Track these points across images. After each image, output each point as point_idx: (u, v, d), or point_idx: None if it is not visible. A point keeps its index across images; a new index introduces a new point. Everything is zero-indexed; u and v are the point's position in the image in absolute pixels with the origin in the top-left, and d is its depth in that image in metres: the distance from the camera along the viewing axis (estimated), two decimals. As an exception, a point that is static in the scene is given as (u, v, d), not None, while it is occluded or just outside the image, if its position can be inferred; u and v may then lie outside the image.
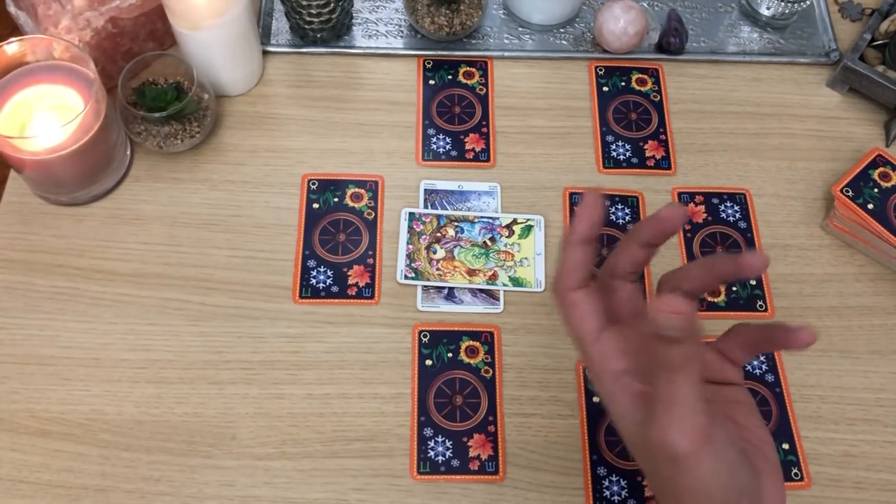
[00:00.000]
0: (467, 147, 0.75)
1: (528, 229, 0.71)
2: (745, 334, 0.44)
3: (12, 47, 0.66)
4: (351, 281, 0.68)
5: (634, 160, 0.75)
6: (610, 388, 0.42)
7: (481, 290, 0.68)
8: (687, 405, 0.37)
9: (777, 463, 0.42)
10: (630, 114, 0.77)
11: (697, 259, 0.42)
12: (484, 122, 0.76)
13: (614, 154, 0.75)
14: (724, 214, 0.73)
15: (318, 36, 0.78)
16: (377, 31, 0.81)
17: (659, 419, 0.37)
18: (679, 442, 0.37)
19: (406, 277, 0.68)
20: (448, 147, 0.75)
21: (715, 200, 0.73)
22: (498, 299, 0.68)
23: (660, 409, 0.37)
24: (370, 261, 0.69)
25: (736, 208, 0.73)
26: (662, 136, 0.76)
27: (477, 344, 0.66)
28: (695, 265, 0.42)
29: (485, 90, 0.78)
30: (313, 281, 0.68)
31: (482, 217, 0.71)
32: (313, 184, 0.73)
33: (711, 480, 0.37)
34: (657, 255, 0.71)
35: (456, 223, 0.71)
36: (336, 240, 0.70)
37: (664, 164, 0.75)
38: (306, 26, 0.77)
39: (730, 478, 0.38)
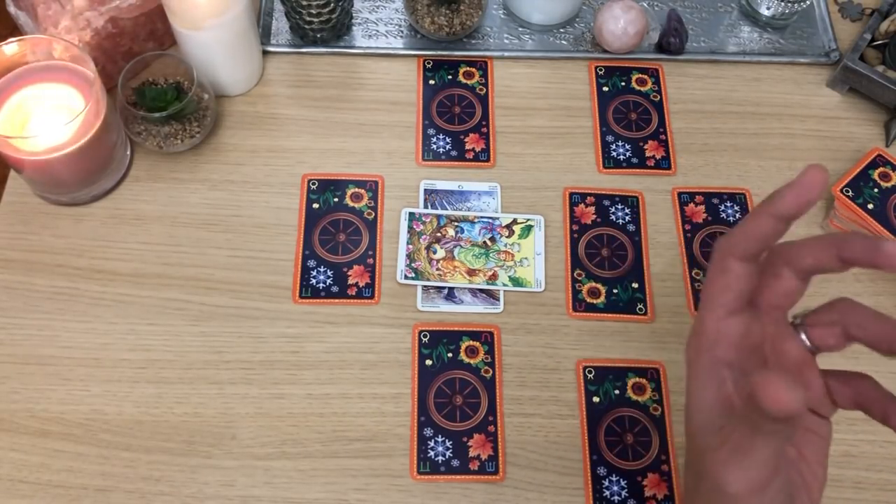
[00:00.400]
0: (467, 147, 0.75)
1: (528, 229, 0.71)
2: (866, 391, 0.41)
3: (12, 47, 0.66)
4: (351, 281, 0.68)
5: (634, 160, 0.75)
6: (704, 371, 0.39)
7: (481, 290, 0.68)
8: (758, 459, 0.35)
9: None
10: (630, 114, 0.77)
11: (823, 235, 0.38)
12: (484, 122, 0.76)
13: (614, 154, 0.75)
14: (724, 214, 0.73)
15: (318, 36, 0.78)
16: (377, 31, 0.81)
17: (724, 451, 0.36)
18: (732, 484, 0.36)
19: (406, 277, 0.68)
20: (448, 147, 0.75)
21: (715, 200, 0.73)
22: (498, 299, 0.68)
23: (732, 443, 0.36)
24: (370, 261, 0.69)
25: (736, 208, 0.73)
26: (662, 136, 0.76)
27: (477, 344, 0.66)
28: (818, 242, 0.38)
29: (485, 90, 0.78)
30: (313, 281, 0.68)
31: (482, 217, 0.71)
32: (313, 184, 0.73)
33: None
34: (658, 256, 0.71)
35: (456, 223, 0.71)
36: (336, 240, 0.70)
37: (664, 164, 0.75)
38: (306, 26, 0.77)
39: None
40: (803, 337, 0.41)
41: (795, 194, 0.37)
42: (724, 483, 0.36)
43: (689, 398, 0.40)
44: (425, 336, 0.66)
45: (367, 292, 0.68)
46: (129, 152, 0.73)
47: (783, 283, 0.40)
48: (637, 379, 0.65)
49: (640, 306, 0.68)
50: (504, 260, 0.69)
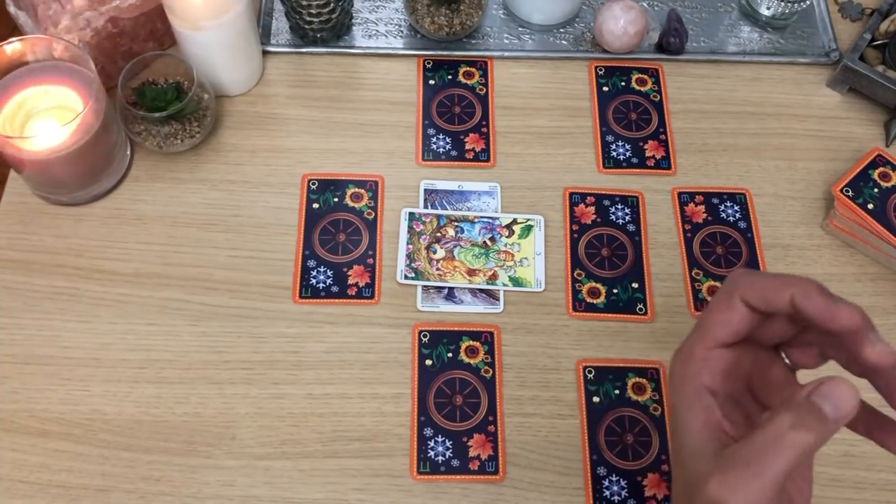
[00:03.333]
0: (467, 147, 0.75)
1: (528, 229, 0.71)
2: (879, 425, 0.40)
3: (12, 47, 0.66)
4: (351, 281, 0.68)
5: (634, 160, 0.75)
6: (691, 398, 0.39)
7: (481, 290, 0.68)
8: (766, 483, 0.34)
9: None
10: (630, 114, 0.77)
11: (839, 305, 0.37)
12: (484, 122, 0.76)
13: (614, 154, 0.75)
14: (724, 214, 0.73)
15: (318, 36, 0.78)
16: (377, 31, 0.81)
17: (729, 476, 0.35)
18: None
19: (406, 277, 0.68)
20: (448, 147, 0.75)
21: (715, 200, 0.73)
22: (498, 299, 0.68)
23: (738, 466, 0.35)
24: (370, 261, 0.69)
25: (736, 208, 0.73)
26: (662, 136, 0.76)
27: (477, 344, 0.66)
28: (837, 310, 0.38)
29: (485, 90, 0.78)
30: (313, 281, 0.68)
31: (482, 217, 0.71)
32: (313, 184, 0.73)
33: None
34: (658, 256, 0.71)
35: (456, 223, 0.71)
36: (336, 240, 0.70)
37: (664, 164, 0.75)
38: (306, 26, 0.77)
39: None
40: (784, 357, 0.41)
41: (825, 313, 0.37)
42: None
43: (676, 425, 0.40)
44: (425, 336, 0.66)
45: (367, 292, 0.68)
46: (129, 152, 0.73)
47: (777, 325, 0.41)
48: (637, 379, 0.65)
49: (640, 306, 0.68)
50: (504, 260, 0.69)
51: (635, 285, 0.69)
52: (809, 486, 0.40)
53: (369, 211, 0.72)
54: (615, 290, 0.69)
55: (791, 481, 0.39)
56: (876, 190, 0.70)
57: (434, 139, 0.75)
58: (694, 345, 0.40)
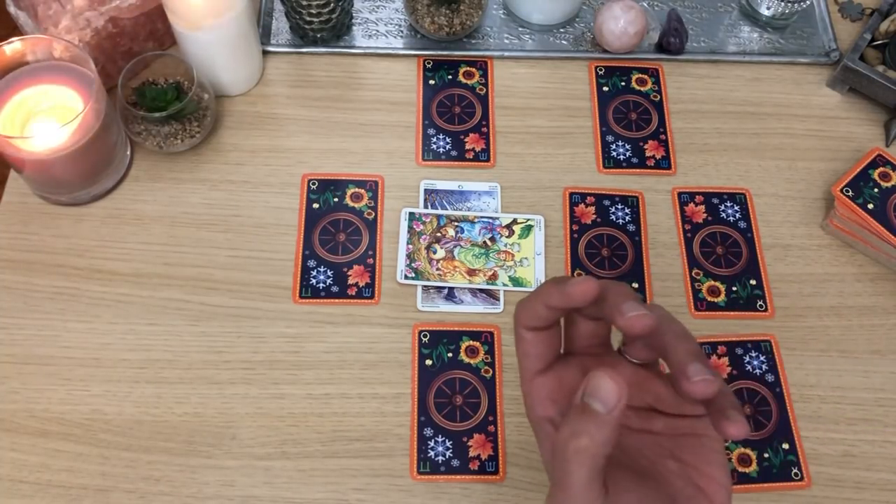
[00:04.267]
0: (467, 147, 0.75)
1: (528, 229, 0.71)
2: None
3: (12, 47, 0.66)
4: (351, 281, 0.68)
5: (634, 160, 0.75)
6: (536, 430, 0.42)
7: (481, 290, 0.68)
8: (573, 494, 0.35)
9: None
10: (630, 114, 0.77)
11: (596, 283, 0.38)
12: (484, 122, 0.76)
13: (614, 154, 0.75)
14: (724, 214, 0.73)
15: (318, 36, 0.78)
16: (377, 31, 0.81)
17: (551, 495, 0.37)
18: None
19: (406, 277, 0.68)
20: (448, 147, 0.75)
21: (715, 200, 0.73)
22: (498, 299, 0.68)
23: (554, 485, 0.36)
24: (370, 261, 0.69)
25: (736, 208, 0.73)
26: (662, 136, 0.76)
27: (477, 344, 0.66)
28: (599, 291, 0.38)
29: (485, 90, 0.78)
30: (313, 281, 0.68)
31: (482, 217, 0.71)
32: (313, 184, 0.73)
33: None
34: (658, 256, 0.71)
35: (456, 223, 0.71)
36: (336, 240, 0.70)
37: (664, 164, 0.75)
38: (306, 26, 0.77)
39: None
40: (627, 357, 0.42)
41: (560, 296, 0.38)
42: None
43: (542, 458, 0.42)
44: (425, 336, 0.66)
45: (367, 292, 0.68)
46: (129, 152, 0.73)
47: (581, 328, 0.42)
48: (637, 379, 0.65)
49: (640, 306, 0.68)
50: (504, 260, 0.69)
51: (635, 285, 0.69)
52: (721, 469, 0.39)
53: (369, 211, 0.72)
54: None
55: (693, 470, 0.39)
56: (876, 190, 0.70)
57: (434, 139, 0.75)
58: (521, 385, 0.43)
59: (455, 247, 0.70)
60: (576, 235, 0.71)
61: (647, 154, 0.75)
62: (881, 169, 0.71)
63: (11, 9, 0.71)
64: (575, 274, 0.69)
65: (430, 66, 0.79)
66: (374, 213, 0.71)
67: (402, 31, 0.81)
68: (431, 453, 0.62)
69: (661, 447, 0.40)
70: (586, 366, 0.42)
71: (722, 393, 0.37)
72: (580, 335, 0.42)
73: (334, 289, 0.68)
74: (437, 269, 0.69)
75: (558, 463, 0.36)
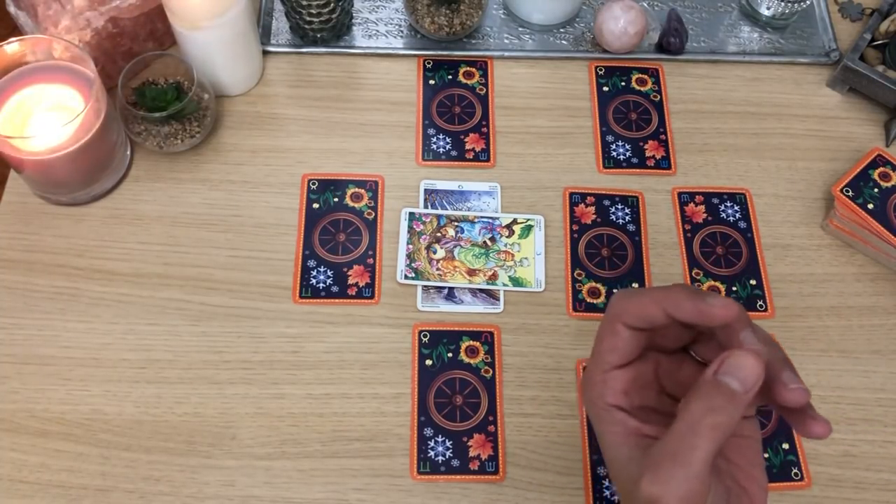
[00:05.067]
0: (467, 147, 0.75)
1: (528, 229, 0.71)
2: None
3: (12, 47, 0.66)
4: (351, 281, 0.68)
5: (634, 160, 0.75)
6: (602, 418, 0.41)
7: (481, 290, 0.68)
8: (693, 471, 0.35)
9: None
10: (630, 114, 0.77)
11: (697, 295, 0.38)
12: (484, 122, 0.76)
13: (614, 154, 0.75)
14: (724, 214, 0.73)
15: (318, 36, 0.78)
16: (377, 31, 0.81)
17: (659, 472, 0.36)
18: (667, 499, 0.35)
19: (406, 277, 0.68)
20: (448, 147, 0.75)
21: (715, 200, 0.73)
22: (498, 299, 0.68)
23: (665, 462, 0.36)
24: (370, 261, 0.69)
25: (736, 208, 0.73)
26: (662, 136, 0.76)
27: (477, 344, 0.66)
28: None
29: (485, 90, 0.78)
30: (313, 281, 0.68)
31: (482, 217, 0.71)
32: (313, 184, 0.73)
33: None
34: (658, 256, 0.71)
35: (456, 223, 0.71)
36: (336, 240, 0.70)
37: (664, 164, 0.75)
38: (306, 26, 0.77)
39: None
40: (694, 355, 0.42)
41: (696, 312, 0.38)
42: (659, 501, 0.36)
43: (601, 446, 0.41)
44: (425, 336, 0.66)
45: (367, 292, 0.68)
46: (129, 152, 0.73)
47: (673, 331, 0.41)
48: (637, 379, 0.65)
49: (640, 306, 0.68)
50: (504, 260, 0.69)
51: (635, 285, 0.69)
52: (761, 471, 0.40)
53: (369, 211, 0.72)
54: (615, 291, 0.69)
55: (738, 470, 0.40)
56: (876, 190, 0.70)
57: (434, 139, 0.75)
58: (592, 372, 0.42)
59: (455, 247, 0.70)
60: (576, 235, 0.71)
61: (647, 154, 0.75)
62: (881, 169, 0.71)
63: (11, 9, 0.71)
64: (575, 274, 0.69)
65: (430, 66, 0.79)
66: (374, 213, 0.71)
67: (402, 31, 0.81)
68: (431, 453, 0.62)
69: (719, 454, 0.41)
70: (661, 363, 0.42)
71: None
72: (667, 337, 0.42)
73: (334, 289, 0.68)
74: (437, 269, 0.69)
75: (676, 439, 0.36)
